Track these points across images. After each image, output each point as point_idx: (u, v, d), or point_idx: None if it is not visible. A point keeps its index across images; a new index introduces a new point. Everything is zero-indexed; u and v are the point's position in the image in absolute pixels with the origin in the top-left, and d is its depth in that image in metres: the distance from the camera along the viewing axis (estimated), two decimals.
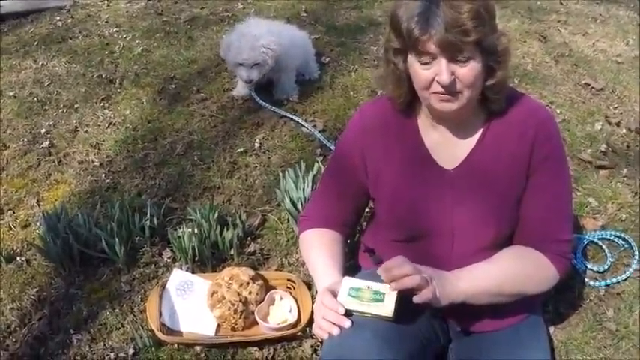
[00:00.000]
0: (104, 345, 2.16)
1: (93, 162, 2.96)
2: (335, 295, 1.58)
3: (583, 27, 4.12)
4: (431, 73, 1.52)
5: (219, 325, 2.17)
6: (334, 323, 1.55)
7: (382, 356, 1.51)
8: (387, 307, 1.52)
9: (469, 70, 1.51)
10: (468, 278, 1.62)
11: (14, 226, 2.65)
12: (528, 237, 1.72)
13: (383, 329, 1.54)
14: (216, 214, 2.48)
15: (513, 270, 1.68)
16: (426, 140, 1.73)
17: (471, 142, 1.70)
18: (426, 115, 1.71)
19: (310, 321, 1.90)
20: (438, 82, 1.52)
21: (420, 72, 1.54)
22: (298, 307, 2.19)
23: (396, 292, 1.53)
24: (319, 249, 1.87)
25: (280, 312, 2.18)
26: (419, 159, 1.73)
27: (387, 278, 1.52)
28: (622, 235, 2.47)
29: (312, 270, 1.89)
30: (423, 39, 1.48)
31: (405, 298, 1.54)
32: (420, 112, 1.74)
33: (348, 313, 1.55)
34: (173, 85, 3.47)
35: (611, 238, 2.48)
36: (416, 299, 1.51)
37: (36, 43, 3.97)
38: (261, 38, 3.07)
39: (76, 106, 3.36)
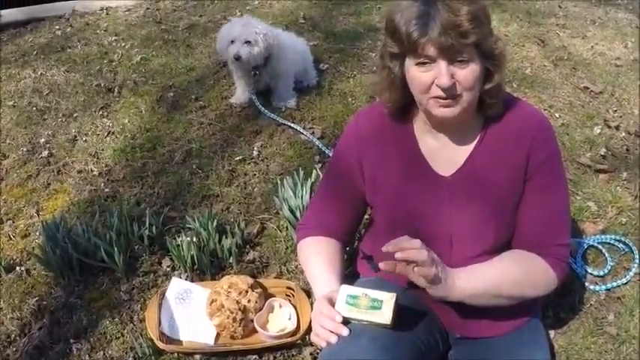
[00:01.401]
0: (104, 354, 2.16)
1: (92, 171, 2.96)
2: (332, 303, 1.57)
3: (582, 30, 4.12)
4: (430, 76, 1.52)
5: (218, 334, 2.17)
6: (332, 331, 1.55)
7: None
8: (384, 315, 1.52)
9: (469, 73, 1.51)
10: (468, 278, 1.62)
11: (14, 236, 2.66)
12: (526, 241, 1.71)
13: (380, 336, 1.54)
14: (215, 223, 2.48)
15: (512, 272, 1.67)
16: (422, 146, 1.73)
17: (468, 148, 1.70)
18: (423, 121, 1.71)
19: (309, 329, 1.89)
20: (438, 86, 1.52)
21: (419, 75, 1.54)
22: (297, 315, 2.19)
23: (394, 299, 1.52)
24: (317, 257, 1.86)
25: (279, 320, 2.18)
26: (415, 165, 1.73)
27: (395, 248, 1.51)
28: (622, 239, 2.47)
29: (310, 278, 1.88)
30: (421, 42, 1.48)
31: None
32: (416, 118, 1.73)
33: (346, 321, 1.55)
34: (172, 94, 3.47)
35: (612, 242, 2.47)
36: (416, 270, 1.51)
37: (35, 52, 3.98)
38: (254, 21, 3.12)
39: (74, 115, 3.36)
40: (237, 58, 3.10)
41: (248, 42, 3.07)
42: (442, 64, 1.49)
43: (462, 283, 1.60)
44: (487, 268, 1.66)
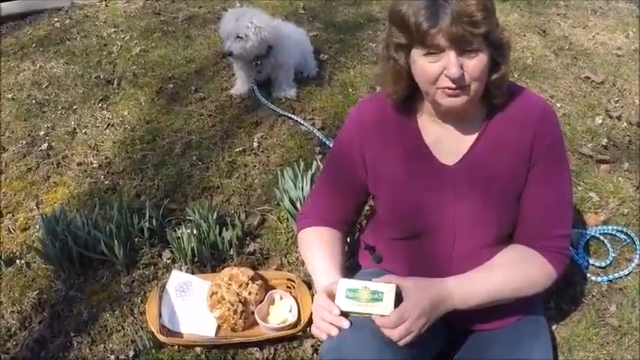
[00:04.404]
0: (104, 347, 2.16)
1: (91, 163, 2.95)
2: (332, 295, 1.56)
3: (583, 20, 4.10)
4: (438, 67, 1.51)
5: (219, 326, 2.16)
6: (332, 324, 1.54)
7: (381, 356, 1.50)
8: (386, 306, 1.50)
9: (477, 63, 1.50)
10: (463, 293, 1.60)
11: (13, 229, 2.65)
12: (527, 232, 1.70)
13: None
14: (215, 215, 2.48)
15: (511, 278, 1.66)
16: (426, 136, 1.71)
17: (472, 137, 1.68)
18: (427, 111, 1.70)
19: (310, 321, 1.89)
20: (447, 76, 1.50)
21: (427, 66, 1.52)
22: (298, 307, 2.19)
23: (394, 290, 1.51)
24: (318, 248, 1.85)
25: (280, 312, 2.18)
26: (419, 155, 1.71)
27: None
28: (624, 229, 2.46)
29: (311, 270, 1.87)
30: (431, 32, 1.46)
31: (402, 297, 1.53)
32: (419, 107, 1.72)
33: (346, 314, 1.54)
34: (171, 85, 3.45)
35: (613, 232, 2.47)
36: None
37: (34, 44, 3.95)
38: (250, 13, 3.08)
39: (74, 107, 3.35)
40: (230, 54, 3.11)
41: (239, 37, 3.05)
42: (452, 55, 1.48)
43: (457, 300, 1.59)
44: (485, 277, 1.65)
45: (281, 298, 2.22)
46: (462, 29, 1.44)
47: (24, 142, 3.12)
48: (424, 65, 1.53)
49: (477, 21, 1.45)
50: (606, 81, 3.44)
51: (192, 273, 2.35)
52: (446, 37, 1.46)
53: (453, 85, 1.51)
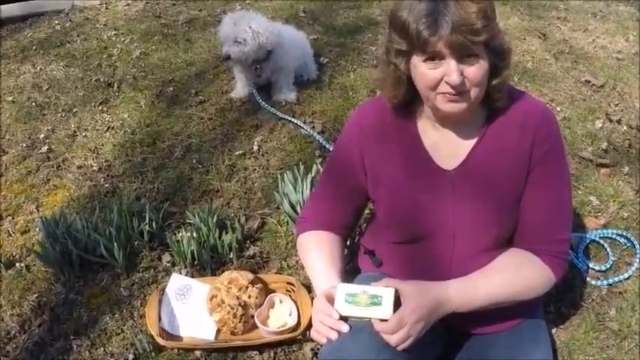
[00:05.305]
0: (104, 351, 2.15)
1: (91, 166, 2.95)
2: (331, 299, 1.56)
3: (583, 23, 4.11)
4: (438, 73, 1.51)
5: (218, 330, 2.16)
6: (332, 328, 1.54)
7: (380, 358, 1.50)
8: (385, 310, 1.50)
9: (477, 69, 1.50)
10: (462, 296, 1.60)
11: (13, 232, 2.65)
12: (526, 236, 1.70)
13: None
14: (215, 218, 2.48)
15: (510, 282, 1.66)
16: (426, 141, 1.71)
17: (471, 141, 1.68)
18: (427, 115, 1.70)
19: (310, 325, 1.88)
20: (447, 83, 1.50)
21: (427, 73, 1.52)
22: (298, 311, 2.18)
23: (393, 294, 1.51)
24: (318, 252, 1.85)
25: (280, 316, 2.18)
26: (418, 160, 1.71)
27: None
28: (624, 233, 2.46)
29: (310, 274, 1.87)
30: (432, 40, 1.46)
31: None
32: (419, 112, 1.72)
33: (345, 319, 1.54)
34: (171, 88, 3.46)
35: (613, 236, 2.47)
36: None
37: (34, 47, 3.96)
38: (248, 18, 3.09)
39: (74, 110, 3.35)
40: (228, 58, 3.12)
41: (237, 41, 3.06)
42: (452, 62, 1.48)
43: (455, 303, 1.59)
44: (483, 282, 1.64)
45: (281, 302, 2.21)
46: (462, 37, 1.44)
47: (24, 145, 3.12)
48: (424, 71, 1.53)
49: (477, 29, 1.45)
50: (606, 84, 3.45)
51: (192, 276, 2.35)
52: (446, 45, 1.46)
53: (453, 91, 1.52)
